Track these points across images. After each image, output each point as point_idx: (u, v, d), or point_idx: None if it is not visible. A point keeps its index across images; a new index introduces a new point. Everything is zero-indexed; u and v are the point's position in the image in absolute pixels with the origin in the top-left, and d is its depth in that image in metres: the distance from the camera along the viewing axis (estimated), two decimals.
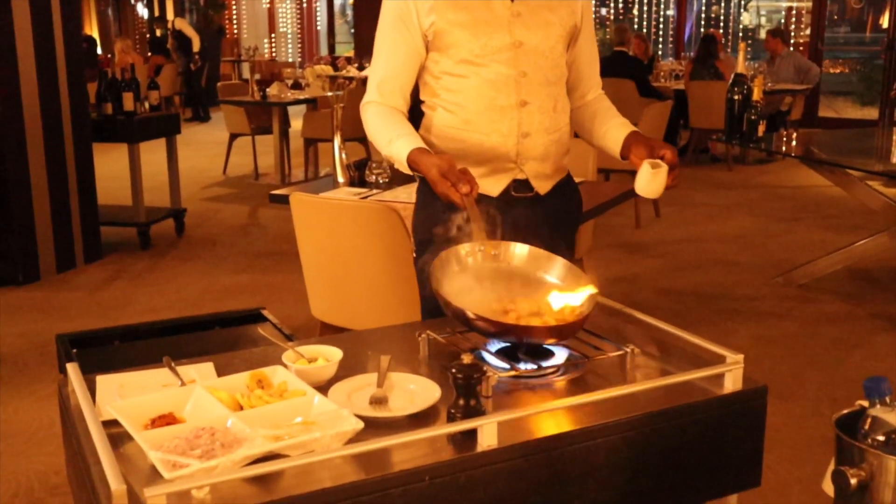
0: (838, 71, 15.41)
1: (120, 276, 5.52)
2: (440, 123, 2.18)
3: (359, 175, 3.96)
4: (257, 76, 9.39)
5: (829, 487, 1.42)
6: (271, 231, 6.62)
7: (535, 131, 2.14)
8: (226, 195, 8.21)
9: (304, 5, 17.88)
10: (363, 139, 8.64)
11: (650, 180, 1.97)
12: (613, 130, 2.20)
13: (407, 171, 2.04)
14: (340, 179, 3.94)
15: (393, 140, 2.05)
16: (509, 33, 2.10)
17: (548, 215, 2.22)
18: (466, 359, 1.46)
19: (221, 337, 2.22)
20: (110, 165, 7.57)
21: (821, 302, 4.91)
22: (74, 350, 2.12)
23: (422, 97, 2.24)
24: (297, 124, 9.07)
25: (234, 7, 18.12)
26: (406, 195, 3.69)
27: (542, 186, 2.21)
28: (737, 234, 6.51)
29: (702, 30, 14.05)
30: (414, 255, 2.33)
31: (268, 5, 18.26)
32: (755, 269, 5.56)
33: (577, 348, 1.76)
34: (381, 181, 3.87)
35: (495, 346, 1.76)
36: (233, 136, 8.96)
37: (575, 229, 2.42)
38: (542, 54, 2.14)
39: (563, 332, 1.70)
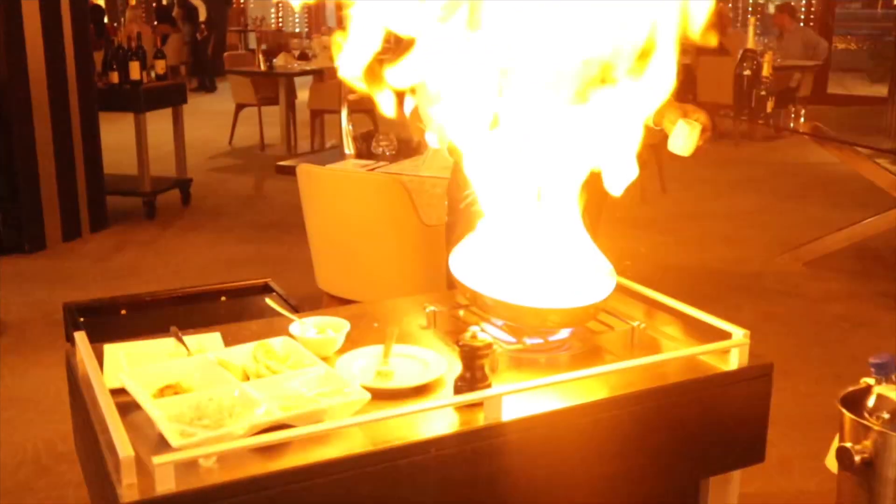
0: (849, 47, 15.30)
1: (125, 245, 5.53)
2: None
3: (365, 147, 3.95)
4: (264, 46, 9.34)
5: (832, 464, 1.43)
6: (277, 202, 6.61)
7: None
8: (232, 166, 8.20)
9: None
10: (370, 110, 8.62)
11: (685, 137, 2.09)
12: None
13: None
14: (347, 151, 3.93)
15: None
16: None
17: None
18: (473, 332, 1.47)
19: (228, 307, 2.22)
20: (116, 135, 7.55)
21: (826, 280, 4.91)
22: (82, 319, 2.13)
23: None
24: (303, 95, 9.03)
25: None
26: (412, 167, 3.69)
27: None
28: (743, 210, 6.49)
29: None
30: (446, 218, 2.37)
31: None
32: (761, 246, 5.55)
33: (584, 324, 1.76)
34: (387, 153, 3.87)
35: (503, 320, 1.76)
36: (239, 107, 8.93)
37: (601, 202, 2.43)
38: None
39: (577, 320, 1.70)
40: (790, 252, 5.29)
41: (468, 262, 1.76)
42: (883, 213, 5.11)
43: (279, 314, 1.76)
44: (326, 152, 4.13)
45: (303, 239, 3.52)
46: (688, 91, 9.05)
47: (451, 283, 2.07)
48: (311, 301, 3.66)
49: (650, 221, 6.08)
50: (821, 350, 3.95)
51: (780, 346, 3.96)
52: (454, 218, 2.34)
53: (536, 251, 1.70)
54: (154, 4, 14.83)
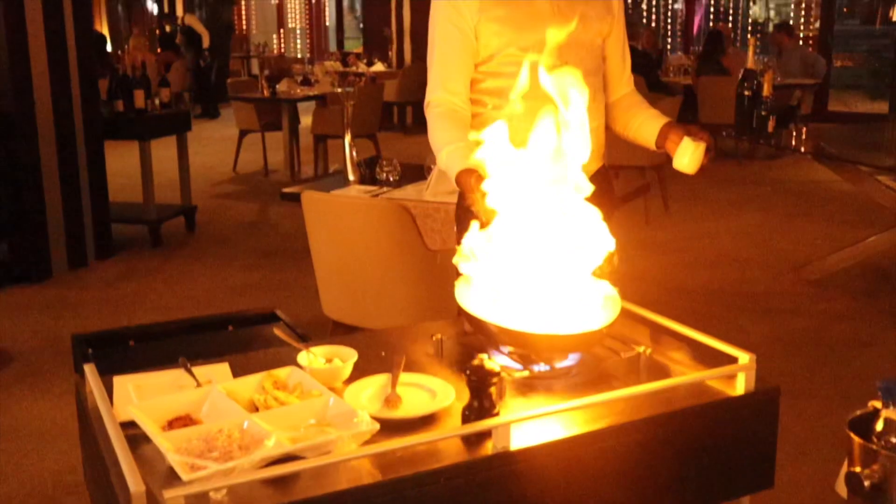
0: (848, 64, 15.35)
1: (131, 273, 5.54)
2: (487, 116, 2.24)
3: (369, 172, 3.97)
4: (266, 72, 9.41)
5: (842, 489, 1.43)
6: (282, 228, 6.64)
7: None
8: (236, 192, 8.23)
9: (313, 1, 17.89)
10: (373, 135, 8.66)
11: (690, 155, 2.11)
12: (650, 121, 2.34)
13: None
14: (351, 177, 3.95)
15: (446, 149, 2.16)
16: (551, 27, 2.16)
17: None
18: (480, 360, 1.47)
19: (236, 337, 2.23)
20: (121, 162, 7.59)
21: (832, 298, 4.90)
22: (90, 350, 2.14)
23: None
24: (306, 120, 9.08)
25: (243, 3, 18.14)
26: (416, 193, 3.70)
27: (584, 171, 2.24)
28: (747, 229, 6.50)
29: (710, 23, 13.99)
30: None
31: (276, 1, 18.27)
32: (766, 265, 5.56)
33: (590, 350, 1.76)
34: (391, 178, 3.88)
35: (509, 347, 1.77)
36: (242, 133, 8.98)
37: (609, 217, 2.45)
38: (583, 45, 2.26)
39: (582, 346, 1.70)
40: (795, 271, 5.29)
41: (473, 289, 1.76)
42: (887, 230, 5.12)
43: (287, 344, 1.77)
44: (330, 178, 4.15)
45: (308, 264, 3.53)
46: (689, 112, 9.09)
47: (460, 310, 2.08)
48: (318, 327, 3.68)
49: (654, 242, 6.09)
50: (828, 370, 3.95)
51: (788, 367, 3.95)
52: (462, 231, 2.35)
53: (541, 277, 1.71)
54: (158, 32, 14.93)
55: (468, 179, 2.01)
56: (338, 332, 3.46)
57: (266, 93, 8.53)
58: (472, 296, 1.74)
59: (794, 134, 5.75)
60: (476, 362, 1.46)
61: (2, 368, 4.05)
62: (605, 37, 2.35)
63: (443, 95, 2.26)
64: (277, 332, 1.79)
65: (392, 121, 11.89)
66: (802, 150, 5.10)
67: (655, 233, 6.35)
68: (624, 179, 6.05)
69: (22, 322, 4.66)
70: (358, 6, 18.51)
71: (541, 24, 2.18)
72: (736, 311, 4.71)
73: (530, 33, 2.18)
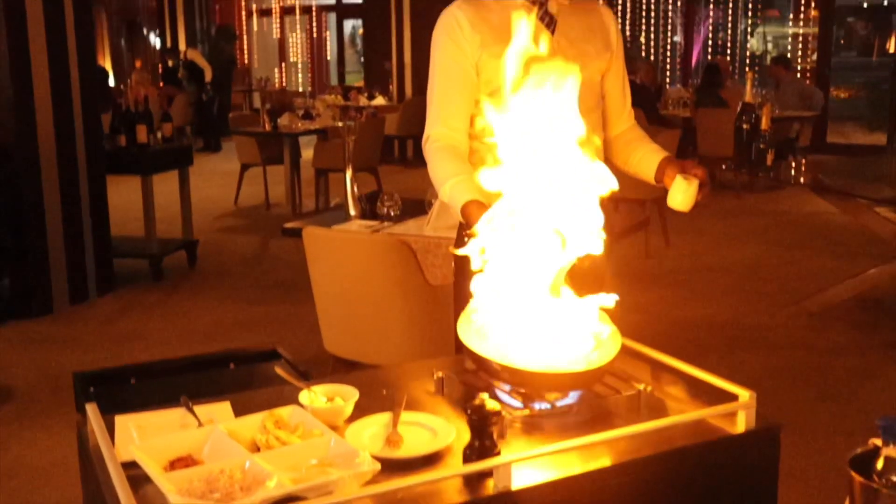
0: (846, 96, 15.45)
1: (132, 308, 5.55)
2: (484, 150, 2.25)
3: (370, 207, 3.99)
4: (268, 106, 9.48)
5: None
6: (283, 261, 6.65)
7: None
8: (237, 225, 8.26)
9: (315, 35, 18.04)
10: (374, 169, 8.71)
11: (683, 193, 2.12)
12: (649, 156, 2.35)
13: (458, 214, 2.14)
14: (352, 212, 3.97)
15: (450, 181, 2.17)
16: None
17: None
18: (481, 399, 1.48)
19: (237, 375, 2.23)
20: (122, 196, 7.62)
21: (833, 331, 4.90)
22: (92, 388, 2.14)
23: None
24: (307, 153, 9.13)
25: (244, 37, 18.30)
26: (417, 227, 3.72)
27: None
28: (747, 262, 6.51)
29: (709, 56, 14.10)
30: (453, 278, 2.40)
31: (278, 35, 18.42)
32: (766, 297, 5.56)
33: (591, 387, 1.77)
34: (392, 213, 3.90)
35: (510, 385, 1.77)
36: (244, 167, 9.02)
37: (608, 252, 2.46)
38: (582, 83, 2.22)
39: (582, 384, 1.71)
40: (795, 304, 5.29)
41: (474, 327, 1.77)
42: (887, 262, 5.13)
43: (288, 382, 1.77)
44: (331, 213, 4.17)
45: (309, 298, 3.54)
46: (688, 144, 9.15)
47: (460, 346, 2.08)
48: (319, 362, 3.68)
49: (655, 275, 6.10)
50: (829, 404, 3.94)
51: (789, 401, 3.95)
52: (461, 277, 2.36)
53: (540, 314, 1.72)
54: (160, 66, 15.06)
55: (475, 211, 2.02)
56: (339, 367, 3.46)
57: (268, 127, 8.58)
58: (474, 332, 1.75)
59: (793, 167, 5.79)
60: (477, 402, 1.47)
61: (2, 404, 4.04)
62: (603, 73, 2.37)
63: (442, 131, 2.28)
64: (279, 370, 1.80)
65: (393, 154, 11.96)
66: (802, 183, 5.13)
67: (656, 265, 6.36)
68: (624, 212, 6.08)
69: (22, 357, 4.66)
70: (359, 40, 18.66)
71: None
72: (736, 344, 4.71)
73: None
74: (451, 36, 2.26)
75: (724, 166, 5.39)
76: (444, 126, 2.27)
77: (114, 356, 4.63)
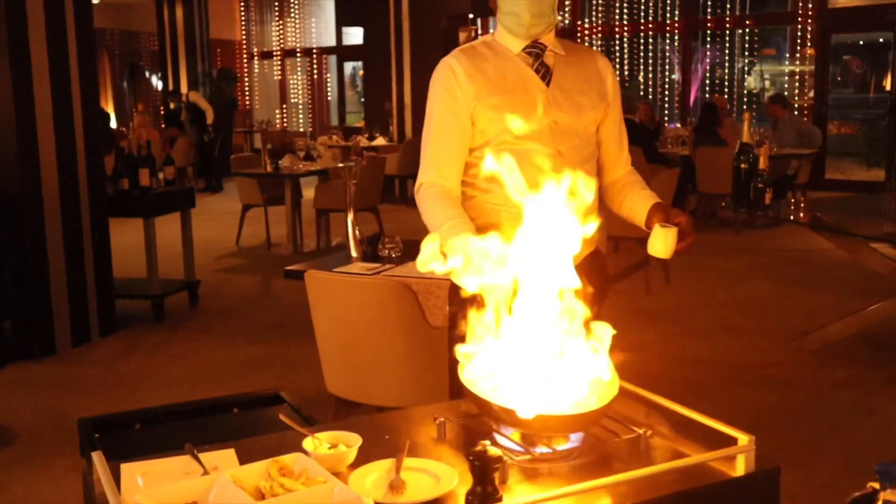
0: (844, 132, 15.55)
1: (135, 349, 5.56)
2: (480, 199, 2.28)
3: (371, 249, 4.02)
4: (269, 146, 9.56)
5: None
6: (285, 302, 6.67)
7: None
8: (239, 266, 8.29)
9: (315, 77, 18.22)
10: (374, 209, 8.76)
11: (661, 241, 2.17)
12: (640, 202, 2.39)
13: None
14: (354, 254, 4.00)
15: (447, 224, 2.21)
16: (546, 115, 2.23)
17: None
18: (483, 445, 1.50)
19: (241, 419, 2.25)
20: (125, 237, 7.67)
21: (834, 367, 4.91)
22: (97, 434, 2.16)
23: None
24: (308, 193, 9.19)
25: (246, 79, 18.49)
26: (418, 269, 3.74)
27: (574, 258, 2.28)
28: (747, 299, 6.53)
29: (707, 94, 14.22)
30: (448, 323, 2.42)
31: (279, 77, 18.61)
32: (767, 334, 5.57)
33: (592, 431, 1.78)
34: (393, 255, 3.93)
35: (511, 429, 1.79)
36: (245, 207, 9.08)
37: (602, 299, 2.48)
38: (577, 133, 2.30)
39: (579, 426, 1.72)
40: (796, 340, 5.30)
41: (473, 371, 1.79)
42: (887, 299, 5.15)
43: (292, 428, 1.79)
44: (333, 255, 4.19)
45: (311, 338, 3.55)
46: (688, 181, 9.21)
47: (454, 391, 2.10)
48: (321, 403, 3.68)
49: (655, 312, 6.11)
50: (831, 440, 3.94)
51: (791, 438, 3.95)
52: (455, 310, 2.38)
53: (537, 358, 1.74)
54: (162, 109, 15.20)
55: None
56: (341, 407, 3.47)
57: (269, 168, 8.65)
58: (476, 376, 1.77)
59: (792, 204, 5.83)
60: (479, 448, 1.49)
61: (4, 447, 4.05)
62: (599, 123, 2.41)
63: (435, 179, 2.31)
64: (282, 417, 1.82)
65: (393, 192, 12.03)
66: (800, 222, 5.17)
67: (656, 303, 6.38)
68: (624, 251, 6.11)
69: (25, 400, 4.66)
70: (359, 81, 18.83)
71: (535, 112, 2.25)
72: (737, 381, 4.72)
73: (526, 122, 2.24)
74: (446, 87, 2.31)
75: (723, 203, 5.42)
76: (437, 175, 2.31)
77: (117, 398, 4.64)
